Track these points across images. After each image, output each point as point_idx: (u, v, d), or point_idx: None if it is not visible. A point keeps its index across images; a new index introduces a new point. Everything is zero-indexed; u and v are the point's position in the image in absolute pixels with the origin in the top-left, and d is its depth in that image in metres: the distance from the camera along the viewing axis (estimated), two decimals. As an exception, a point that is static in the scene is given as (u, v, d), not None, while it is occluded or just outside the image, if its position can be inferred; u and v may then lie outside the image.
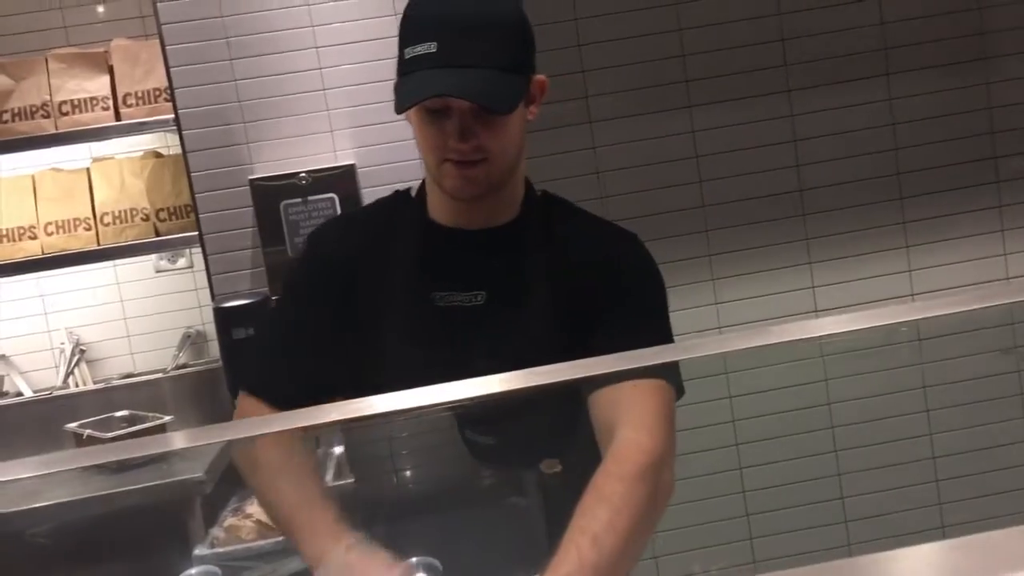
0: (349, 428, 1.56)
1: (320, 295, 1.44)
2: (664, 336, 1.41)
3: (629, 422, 1.32)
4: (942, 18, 2.25)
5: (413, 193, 1.49)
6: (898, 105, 2.25)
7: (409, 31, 1.32)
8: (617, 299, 1.39)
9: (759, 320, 2.25)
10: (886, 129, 2.25)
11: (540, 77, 1.40)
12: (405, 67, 1.30)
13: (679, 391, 1.38)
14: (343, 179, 2.76)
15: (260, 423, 1.36)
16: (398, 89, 1.32)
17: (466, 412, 1.37)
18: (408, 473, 1.56)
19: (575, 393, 1.38)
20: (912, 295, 2.28)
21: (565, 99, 2.20)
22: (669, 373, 1.35)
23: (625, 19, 2.20)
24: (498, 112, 1.30)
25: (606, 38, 2.19)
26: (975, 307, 0.79)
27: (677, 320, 2.24)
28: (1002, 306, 0.79)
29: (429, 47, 1.28)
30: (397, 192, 1.54)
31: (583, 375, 1.19)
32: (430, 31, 1.28)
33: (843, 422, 2.28)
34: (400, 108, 1.31)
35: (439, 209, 1.43)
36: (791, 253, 2.27)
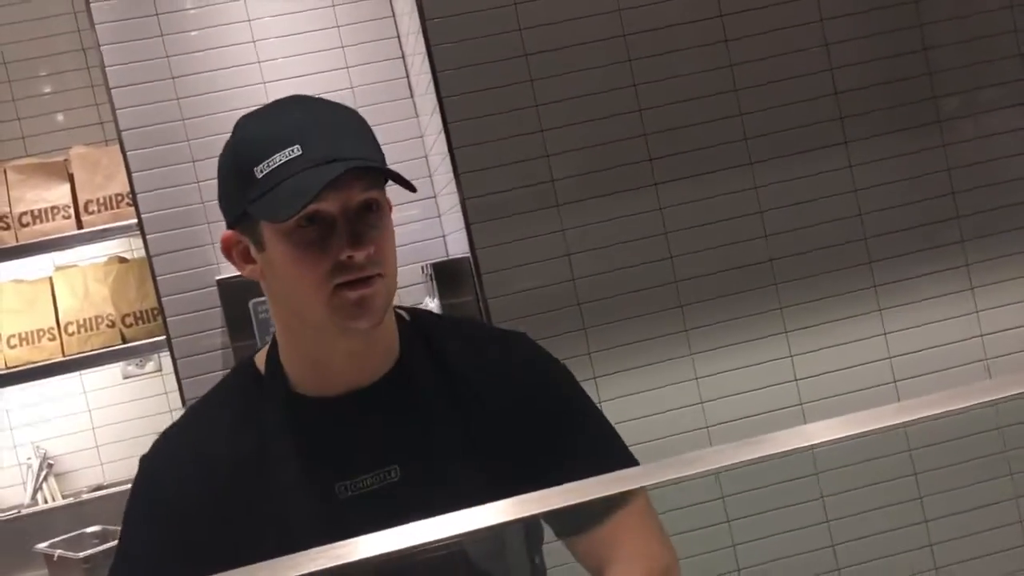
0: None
1: (178, 553, 1.14)
2: (606, 430, 1.27)
3: (618, 554, 1.21)
4: (895, 85, 2.29)
5: (260, 368, 1.22)
6: (859, 171, 2.28)
7: (254, 150, 1.12)
8: (546, 422, 1.23)
9: (741, 392, 2.23)
10: (849, 196, 2.28)
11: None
12: (266, 182, 1.09)
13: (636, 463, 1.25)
14: (312, 274, 2.74)
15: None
16: (265, 205, 1.09)
17: None
18: None
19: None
20: (889, 357, 2.28)
21: (532, 183, 2.20)
22: (625, 460, 1.24)
23: (586, 102, 2.22)
24: (406, 184, 1.12)
25: (567, 123, 2.21)
26: (963, 405, 0.77)
27: (659, 397, 2.23)
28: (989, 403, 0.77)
29: (291, 151, 1.10)
30: (237, 372, 1.27)
31: (553, 506, 1.04)
32: (283, 140, 1.10)
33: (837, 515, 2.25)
34: (287, 214, 1.08)
35: (308, 379, 1.19)
36: (767, 323, 2.26)
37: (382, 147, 1.19)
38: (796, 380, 2.29)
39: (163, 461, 1.22)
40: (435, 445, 1.18)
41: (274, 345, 1.23)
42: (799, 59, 2.29)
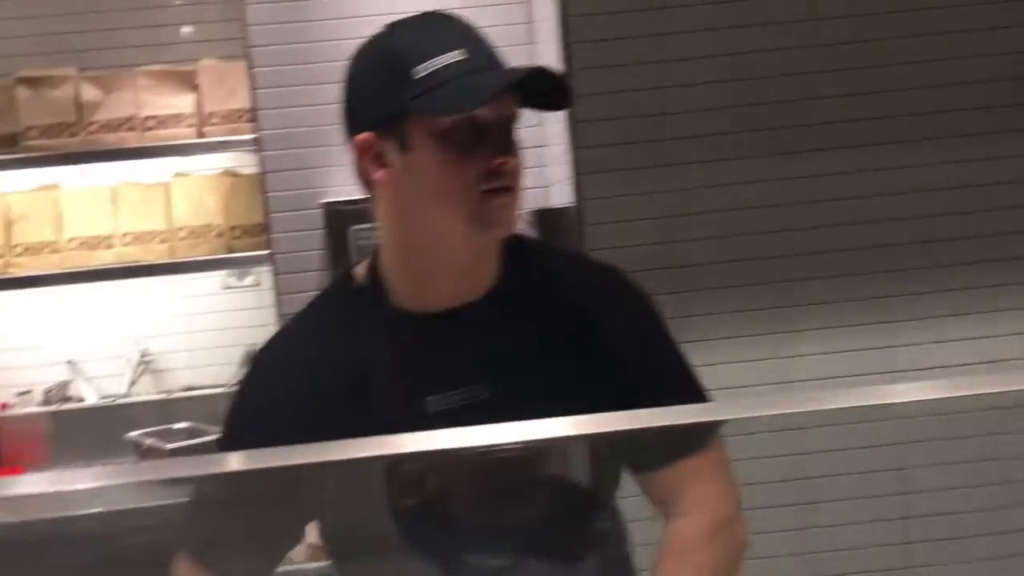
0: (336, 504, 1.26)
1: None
2: (688, 376, 1.30)
3: (685, 497, 1.24)
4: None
5: (360, 281, 1.25)
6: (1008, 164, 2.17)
7: (413, 52, 1.14)
8: (635, 352, 1.25)
9: (834, 377, 2.17)
10: (985, 189, 2.18)
11: None
12: (428, 80, 1.12)
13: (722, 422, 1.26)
14: (415, 208, 2.77)
15: (327, 449, 1.21)
16: (437, 99, 1.12)
17: (474, 529, 1.18)
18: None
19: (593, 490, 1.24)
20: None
21: (648, 140, 2.17)
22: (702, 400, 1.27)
23: (715, 63, 2.16)
24: (568, 102, 1.16)
25: (691, 81, 2.16)
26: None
27: (747, 371, 2.19)
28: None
29: (456, 55, 1.12)
30: (338, 283, 1.31)
31: (630, 426, 1.08)
32: (445, 44, 1.14)
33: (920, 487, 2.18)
34: (469, 106, 1.11)
35: (410, 293, 1.21)
36: (869, 310, 2.19)
37: None
38: (894, 372, 2.22)
39: (271, 358, 1.27)
40: (526, 367, 1.19)
41: (375, 260, 1.24)
42: (954, 41, 2.18)
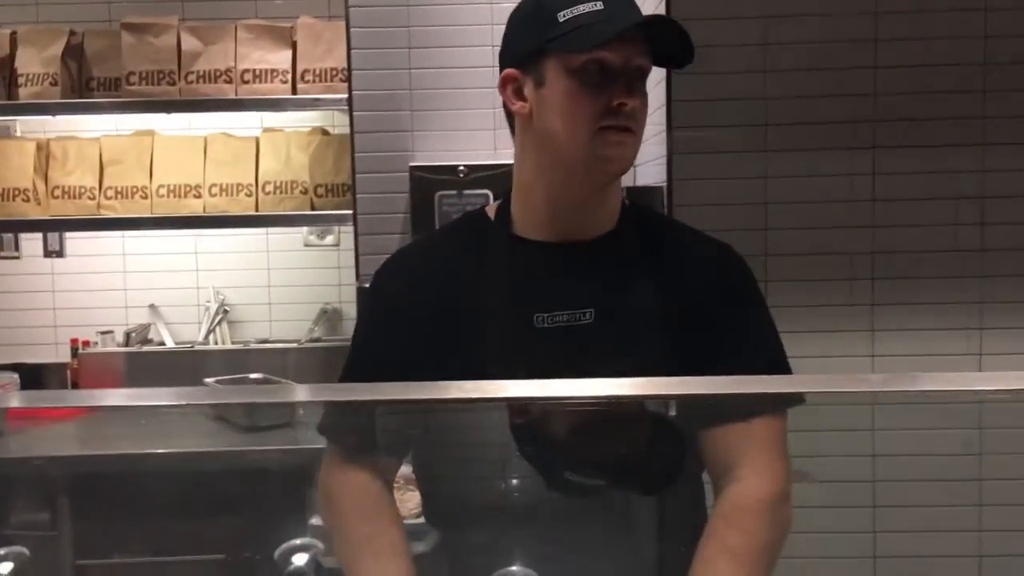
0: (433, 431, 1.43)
1: (405, 342, 1.32)
2: (776, 349, 1.37)
3: (745, 463, 1.30)
4: None
5: (490, 215, 1.39)
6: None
7: (559, 2, 1.27)
8: (723, 310, 1.33)
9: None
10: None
11: None
12: (568, 24, 1.25)
13: (795, 401, 1.35)
14: (500, 177, 2.77)
15: (393, 388, 1.20)
16: (569, 39, 1.25)
17: (570, 452, 1.30)
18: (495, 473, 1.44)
19: (680, 435, 1.33)
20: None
21: (744, 124, 2.14)
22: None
23: (817, 49, 2.12)
24: (690, 56, 1.27)
25: (793, 67, 2.12)
26: None
27: (829, 368, 2.16)
28: None
29: (594, 5, 1.25)
30: (469, 215, 1.44)
31: (706, 391, 1.17)
32: None
33: (990, 475, 2.13)
34: (590, 44, 1.23)
35: (535, 224, 1.34)
36: (961, 315, 2.14)
37: None
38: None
39: (395, 269, 1.41)
40: (628, 302, 1.31)
41: (506, 201, 1.38)
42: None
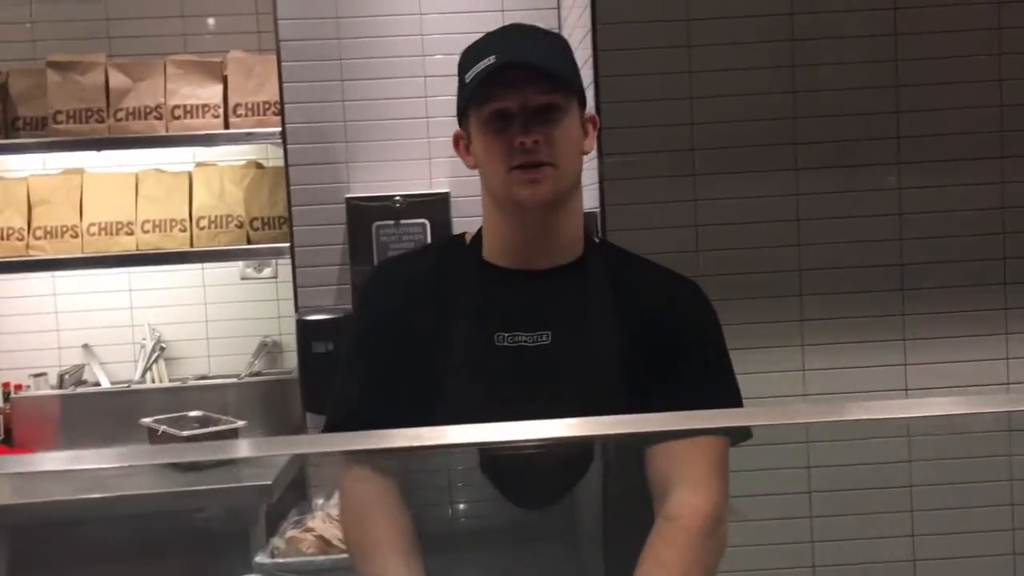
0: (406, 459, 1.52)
1: (385, 349, 1.44)
2: (728, 388, 1.45)
3: (683, 480, 1.35)
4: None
5: (468, 240, 1.51)
6: (1010, 188, 2.21)
7: (466, 61, 1.40)
8: (681, 348, 1.40)
9: (846, 392, 2.20)
10: (996, 212, 2.21)
11: (591, 113, 1.46)
12: (471, 84, 1.37)
13: (743, 436, 1.43)
14: (436, 206, 2.80)
15: (332, 440, 1.40)
16: (464, 99, 1.39)
17: (513, 482, 1.39)
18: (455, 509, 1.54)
19: (627, 457, 1.40)
20: (1008, 384, 2.22)
21: (673, 149, 2.20)
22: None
23: (740, 76, 2.20)
24: (559, 78, 1.34)
25: (717, 93, 2.19)
26: None
27: (763, 383, 2.22)
28: None
29: (488, 61, 1.35)
30: (452, 238, 1.57)
31: (649, 429, 1.23)
32: (487, 52, 1.37)
33: (922, 506, 2.22)
34: (462, 107, 1.38)
35: (500, 251, 1.44)
36: (886, 328, 2.22)
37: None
38: (907, 390, 2.25)
39: (376, 285, 1.53)
40: (585, 327, 1.40)
41: (480, 228, 1.49)
42: (968, 64, 2.22)
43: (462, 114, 1.42)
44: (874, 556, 2.22)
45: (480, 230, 1.49)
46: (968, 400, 1.09)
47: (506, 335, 1.40)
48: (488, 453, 1.38)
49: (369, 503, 1.41)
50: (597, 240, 1.52)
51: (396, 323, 1.44)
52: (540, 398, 1.34)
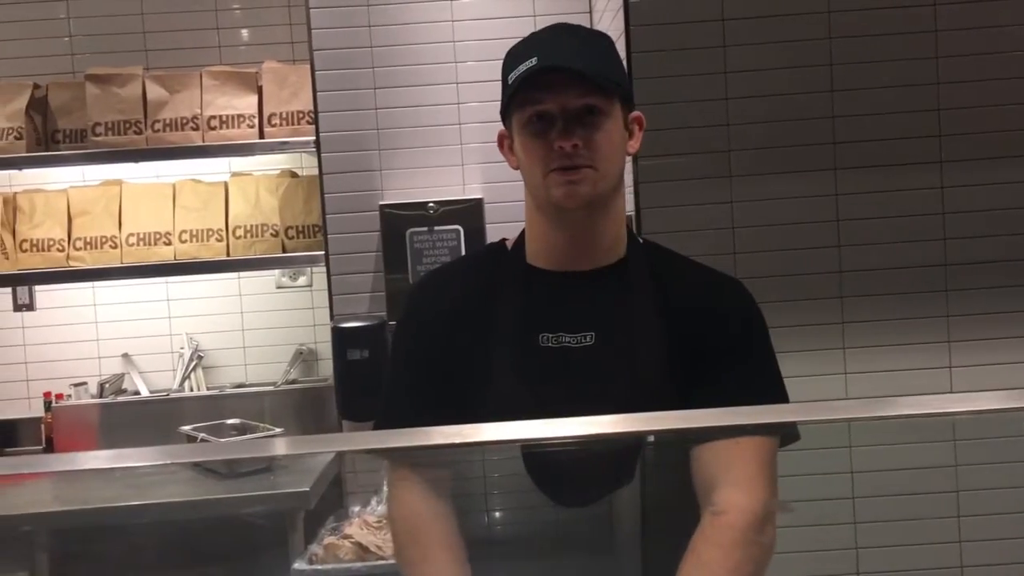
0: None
1: (430, 356, 1.45)
2: (773, 387, 1.43)
3: (729, 481, 1.33)
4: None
5: (509, 246, 1.51)
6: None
7: (510, 63, 1.40)
8: (726, 349, 1.39)
9: (888, 395, 2.16)
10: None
11: (637, 112, 1.44)
12: (512, 86, 1.37)
13: (791, 437, 1.41)
14: (470, 212, 2.80)
15: (369, 437, 1.41)
16: (514, 97, 1.38)
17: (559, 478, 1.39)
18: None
19: (676, 457, 1.38)
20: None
21: (709, 151, 2.18)
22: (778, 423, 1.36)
23: (776, 75, 2.17)
24: (597, 82, 1.33)
25: (753, 93, 2.17)
26: None
27: (804, 386, 2.18)
28: None
29: (530, 63, 1.35)
30: (491, 245, 1.58)
31: (695, 425, 1.21)
32: (529, 53, 1.37)
33: (968, 510, 2.17)
34: (505, 108, 1.39)
35: (542, 253, 1.45)
36: (930, 329, 2.18)
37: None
38: (952, 393, 2.20)
39: (422, 292, 1.56)
40: (631, 328, 1.40)
41: (523, 233, 1.50)
42: (1009, 61, 2.17)
43: (505, 115, 1.43)
44: (919, 563, 2.18)
45: (522, 234, 1.49)
46: (1017, 394, 1.05)
47: (550, 336, 1.40)
48: (531, 452, 1.36)
49: (419, 511, 1.41)
50: (641, 241, 1.51)
51: (442, 329, 1.45)
52: (584, 398, 1.32)
